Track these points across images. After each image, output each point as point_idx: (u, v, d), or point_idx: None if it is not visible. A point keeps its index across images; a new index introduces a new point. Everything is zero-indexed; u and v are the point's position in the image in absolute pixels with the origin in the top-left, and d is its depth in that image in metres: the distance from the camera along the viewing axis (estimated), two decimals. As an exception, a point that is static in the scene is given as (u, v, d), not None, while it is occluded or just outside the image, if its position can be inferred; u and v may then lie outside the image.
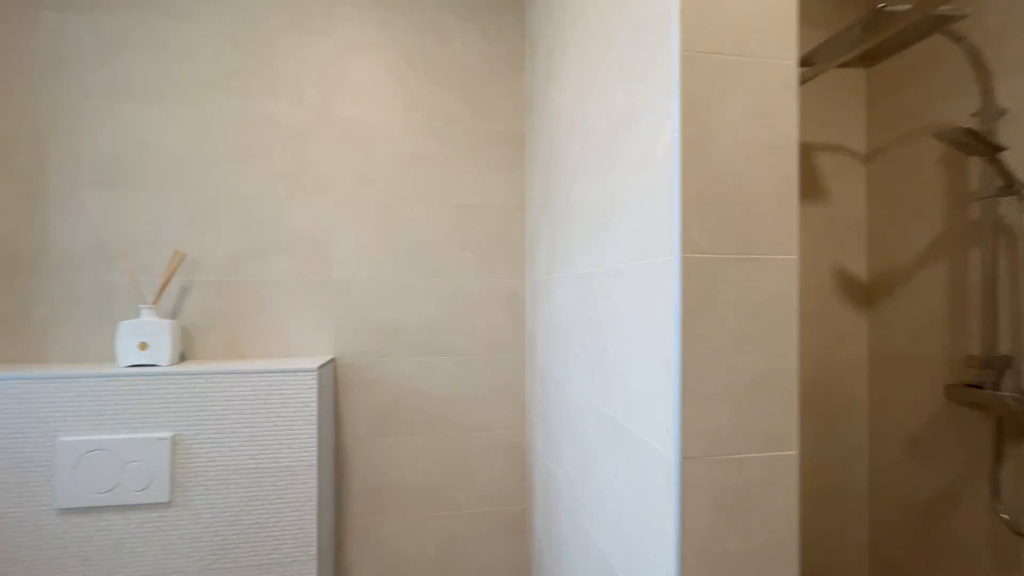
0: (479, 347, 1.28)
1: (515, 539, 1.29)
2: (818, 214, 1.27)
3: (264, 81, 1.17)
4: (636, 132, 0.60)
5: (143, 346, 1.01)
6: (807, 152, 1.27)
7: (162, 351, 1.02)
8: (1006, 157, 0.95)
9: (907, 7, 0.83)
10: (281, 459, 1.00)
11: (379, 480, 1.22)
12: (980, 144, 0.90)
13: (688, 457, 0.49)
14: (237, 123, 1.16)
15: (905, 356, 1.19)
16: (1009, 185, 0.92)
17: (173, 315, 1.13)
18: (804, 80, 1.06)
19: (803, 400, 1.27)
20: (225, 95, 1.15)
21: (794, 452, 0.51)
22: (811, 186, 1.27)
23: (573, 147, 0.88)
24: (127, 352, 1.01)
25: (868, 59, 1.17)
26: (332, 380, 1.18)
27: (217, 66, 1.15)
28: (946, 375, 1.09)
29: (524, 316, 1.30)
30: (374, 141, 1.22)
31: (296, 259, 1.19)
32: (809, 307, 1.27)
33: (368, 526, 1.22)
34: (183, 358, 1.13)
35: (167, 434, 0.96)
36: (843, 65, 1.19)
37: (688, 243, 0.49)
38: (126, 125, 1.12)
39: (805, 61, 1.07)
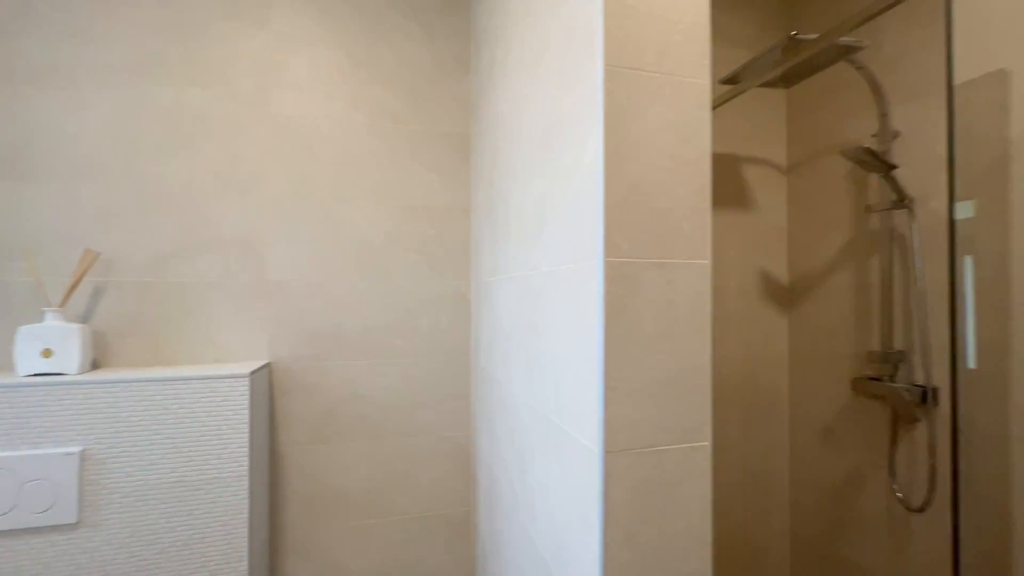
0: (424, 350, 1.27)
1: (460, 542, 1.29)
2: (744, 222, 1.37)
3: (191, 70, 1.10)
4: (567, 140, 0.62)
5: (47, 353, 0.92)
6: (735, 163, 1.36)
7: (70, 358, 0.93)
8: (899, 175, 1.07)
9: (814, 36, 0.92)
10: (208, 470, 0.95)
11: (318, 488, 1.18)
12: (877, 162, 1.01)
13: (611, 451, 0.52)
14: (160, 113, 1.08)
15: (819, 353, 1.30)
16: (901, 200, 1.03)
17: (84, 319, 1.04)
18: (731, 97, 1.14)
19: (730, 395, 1.36)
20: (146, 82, 1.07)
21: (708, 443, 0.54)
22: (738, 195, 1.36)
23: (513, 151, 0.90)
24: (27, 360, 0.91)
25: (787, 80, 1.27)
26: (267, 386, 1.13)
27: (137, 51, 1.07)
28: (853, 370, 1.21)
29: (470, 318, 1.31)
30: (315, 139, 1.18)
31: (227, 259, 1.12)
32: (736, 309, 1.36)
33: (306, 536, 1.17)
34: (95, 365, 1.04)
35: (75, 449, 0.88)
36: (766, 84, 1.29)
37: (611, 248, 0.52)
38: (29, 111, 1.01)
39: (731, 80, 1.15)
